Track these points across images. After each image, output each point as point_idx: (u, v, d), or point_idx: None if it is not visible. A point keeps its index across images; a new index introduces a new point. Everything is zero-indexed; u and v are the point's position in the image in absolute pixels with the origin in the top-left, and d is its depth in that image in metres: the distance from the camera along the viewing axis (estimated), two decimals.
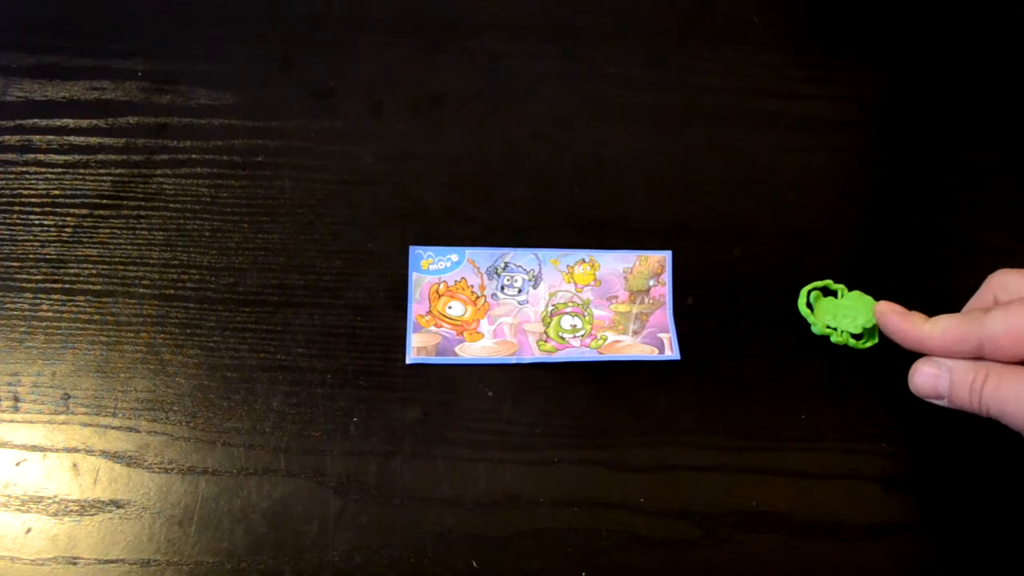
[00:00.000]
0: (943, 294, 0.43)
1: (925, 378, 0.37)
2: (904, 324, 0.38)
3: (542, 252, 0.44)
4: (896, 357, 0.40)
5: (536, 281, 0.43)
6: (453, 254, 0.43)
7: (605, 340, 0.41)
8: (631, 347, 0.41)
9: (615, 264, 0.43)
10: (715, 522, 0.38)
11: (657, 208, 0.46)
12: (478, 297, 0.42)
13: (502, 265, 0.43)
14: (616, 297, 0.43)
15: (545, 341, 0.41)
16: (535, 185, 0.46)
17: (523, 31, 0.52)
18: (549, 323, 0.42)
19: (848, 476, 0.39)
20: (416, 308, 0.42)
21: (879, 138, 0.49)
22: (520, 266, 0.43)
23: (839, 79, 0.51)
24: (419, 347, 0.40)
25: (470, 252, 0.43)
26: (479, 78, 0.50)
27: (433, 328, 0.41)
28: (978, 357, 0.36)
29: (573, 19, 0.52)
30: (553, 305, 0.42)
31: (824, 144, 0.48)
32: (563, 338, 0.41)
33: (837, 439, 0.40)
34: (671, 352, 0.41)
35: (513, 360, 0.40)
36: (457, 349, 0.41)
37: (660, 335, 0.41)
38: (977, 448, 0.40)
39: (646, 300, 0.42)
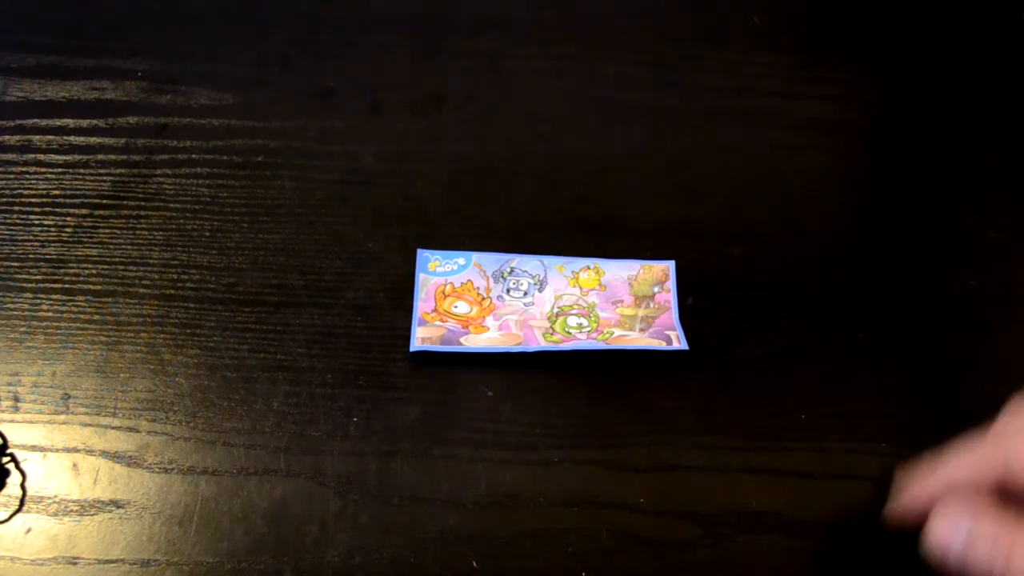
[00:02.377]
0: (943, 294, 0.43)
1: (942, 532, 0.29)
2: (916, 484, 0.32)
3: (547, 259, 0.44)
4: (896, 357, 0.40)
5: (541, 285, 0.43)
6: (460, 258, 0.43)
7: (612, 334, 0.41)
8: (639, 340, 0.41)
9: (620, 271, 0.43)
10: (715, 522, 0.38)
11: (657, 208, 0.46)
12: (484, 299, 0.42)
13: (508, 270, 0.43)
14: (621, 301, 0.43)
15: (551, 334, 0.41)
16: (535, 185, 0.46)
17: (523, 31, 0.52)
18: (555, 321, 0.42)
19: (848, 476, 0.39)
20: (422, 306, 0.42)
21: (879, 138, 0.49)
22: (526, 271, 0.43)
23: (839, 79, 0.51)
24: (424, 337, 0.40)
25: (476, 256, 0.43)
26: (479, 78, 0.50)
27: (439, 323, 0.41)
28: (1001, 488, 0.29)
29: (573, 19, 0.52)
30: (559, 307, 0.42)
31: (824, 144, 0.48)
32: (569, 333, 0.41)
33: (837, 439, 0.40)
34: (679, 344, 0.41)
35: (519, 349, 0.40)
36: (462, 340, 0.41)
37: (667, 332, 0.41)
38: None
39: (651, 305, 0.42)
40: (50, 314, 0.41)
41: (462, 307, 0.42)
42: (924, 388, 0.41)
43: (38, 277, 0.42)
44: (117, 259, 0.43)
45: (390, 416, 0.39)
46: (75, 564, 0.36)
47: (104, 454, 0.38)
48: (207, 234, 0.44)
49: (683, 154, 0.48)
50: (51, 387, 0.39)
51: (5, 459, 0.37)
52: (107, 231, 0.44)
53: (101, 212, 0.44)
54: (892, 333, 0.42)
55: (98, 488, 0.37)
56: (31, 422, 0.39)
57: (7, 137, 0.46)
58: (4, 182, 0.45)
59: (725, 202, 0.46)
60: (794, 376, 0.41)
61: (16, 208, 0.44)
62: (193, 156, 0.46)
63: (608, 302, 0.43)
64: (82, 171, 0.45)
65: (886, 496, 0.39)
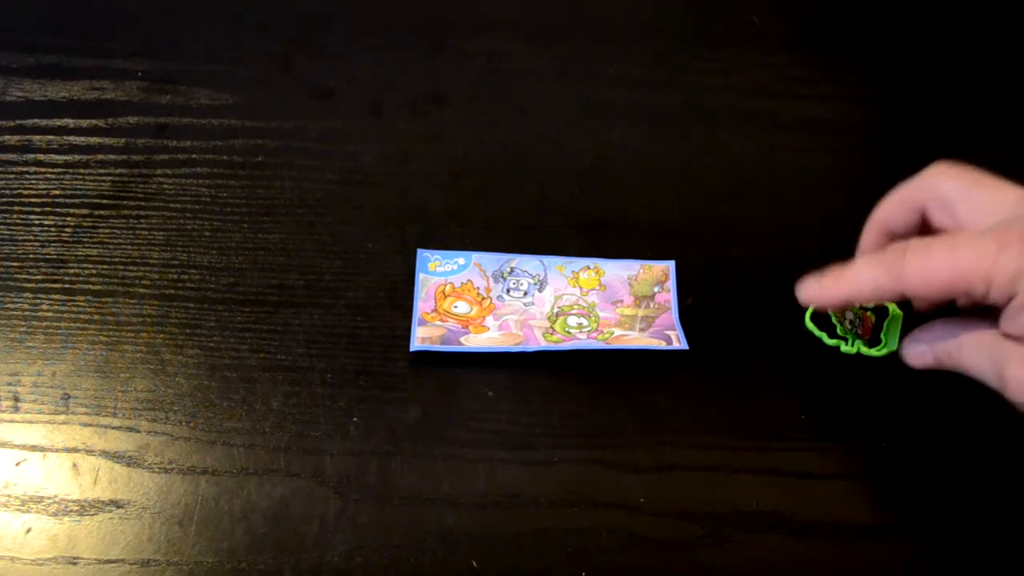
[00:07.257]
0: None
1: (917, 356, 0.37)
2: (827, 286, 0.37)
3: (547, 259, 0.44)
4: (896, 356, 0.40)
5: (541, 285, 0.43)
6: (460, 258, 0.43)
7: (612, 334, 0.41)
8: (639, 340, 0.41)
9: (620, 271, 0.43)
10: (715, 522, 0.38)
11: (657, 208, 0.46)
12: (484, 299, 0.42)
13: (508, 270, 0.43)
14: (621, 301, 0.43)
15: (551, 333, 0.41)
16: (535, 185, 0.46)
17: (523, 31, 0.52)
18: (555, 321, 0.42)
19: (848, 476, 0.39)
20: (422, 306, 0.42)
21: (879, 138, 0.49)
22: (526, 271, 0.43)
23: (839, 79, 0.51)
24: (424, 336, 0.40)
25: (476, 256, 0.43)
26: (479, 78, 0.50)
27: (439, 322, 0.41)
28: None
29: (573, 19, 0.52)
30: (559, 307, 0.42)
31: (824, 144, 0.48)
32: (569, 332, 0.41)
33: (837, 439, 0.40)
34: (679, 344, 0.41)
35: (519, 349, 0.40)
36: (462, 339, 0.41)
37: (667, 332, 0.41)
38: (976, 448, 0.40)
39: (651, 305, 0.42)
40: (50, 314, 0.41)
41: (462, 307, 0.42)
42: (924, 388, 0.41)
43: (38, 277, 0.42)
44: (117, 259, 0.43)
45: (390, 416, 0.39)
46: (75, 564, 0.36)
47: (104, 454, 0.38)
48: (207, 234, 0.44)
49: (683, 154, 0.48)
50: (51, 387, 0.39)
51: None
52: (107, 231, 0.44)
53: (101, 212, 0.44)
54: None
55: (98, 488, 0.37)
56: (31, 422, 0.39)
57: (7, 137, 0.46)
58: (4, 182, 0.45)
59: (725, 202, 0.46)
60: (794, 376, 0.41)
61: (16, 208, 0.44)
62: (193, 156, 0.46)
63: (608, 302, 0.43)
64: (82, 171, 0.45)
65: (886, 496, 0.39)
